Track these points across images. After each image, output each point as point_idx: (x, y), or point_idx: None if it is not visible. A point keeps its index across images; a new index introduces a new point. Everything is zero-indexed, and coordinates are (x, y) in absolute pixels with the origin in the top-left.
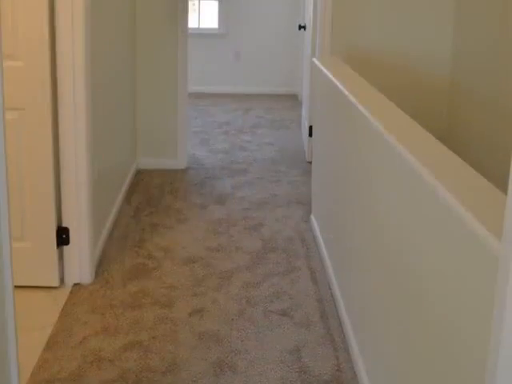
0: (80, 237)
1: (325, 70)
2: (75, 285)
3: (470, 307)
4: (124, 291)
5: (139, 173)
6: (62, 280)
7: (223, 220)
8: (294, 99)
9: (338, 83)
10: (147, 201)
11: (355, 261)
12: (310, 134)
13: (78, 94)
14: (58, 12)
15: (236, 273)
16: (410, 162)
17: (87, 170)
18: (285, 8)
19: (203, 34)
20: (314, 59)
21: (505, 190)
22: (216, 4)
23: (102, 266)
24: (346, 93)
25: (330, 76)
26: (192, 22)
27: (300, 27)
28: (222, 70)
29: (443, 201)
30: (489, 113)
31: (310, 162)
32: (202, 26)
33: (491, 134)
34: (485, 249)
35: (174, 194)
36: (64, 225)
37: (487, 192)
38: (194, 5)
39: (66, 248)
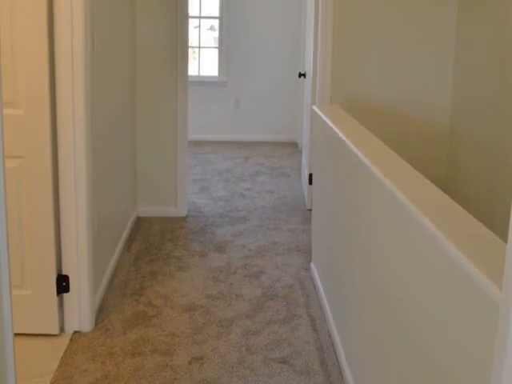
0: (80, 284)
1: (325, 118)
2: (75, 332)
3: (470, 355)
4: (124, 339)
5: (139, 220)
6: (61, 328)
7: (223, 268)
8: (294, 147)
9: (337, 131)
10: (147, 248)
11: (355, 309)
12: (310, 182)
13: (78, 142)
14: (58, 60)
15: (236, 320)
16: (410, 210)
17: (87, 217)
18: (285, 56)
19: (203, 82)
20: (314, 107)
21: (505, 238)
22: (216, 52)
23: (102, 313)
24: (346, 141)
25: (330, 124)
26: (192, 70)
27: (300, 75)
28: (221, 118)
29: (443, 249)
30: (488, 160)
31: (310, 210)
32: (202, 73)
33: (491, 182)
34: (485, 297)
35: (174, 241)
36: (64, 272)
37: (487, 240)
38: (194, 52)
39: (65, 296)
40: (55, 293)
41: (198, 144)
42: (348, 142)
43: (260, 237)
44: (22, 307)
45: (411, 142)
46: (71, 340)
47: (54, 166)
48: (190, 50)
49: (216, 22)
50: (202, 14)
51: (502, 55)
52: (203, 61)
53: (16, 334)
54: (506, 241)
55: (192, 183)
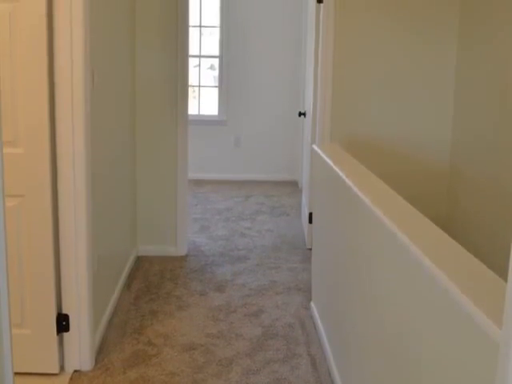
0: (80, 323)
1: (325, 157)
2: (75, 371)
3: None
4: (124, 378)
5: (139, 259)
6: (61, 367)
7: (223, 307)
8: (294, 186)
9: (337, 170)
10: (147, 287)
11: (355, 348)
12: (310, 221)
13: (78, 181)
14: (58, 99)
15: (236, 359)
16: (410, 249)
17: (87, 257)
18: (284, 95)
19: (203, 121)
20: (314, 146)
21: (505, 277)
22: (216, 91)
23: (101, 352)
24: (346, 180)
25: (330, 163)
26: (192, 109)
27: (300, 114)
28: (221, 157)
29: (443, 287)
30: (489, 199)
31: (310, 249)
32: (201, 112)
33: (491, 220)
34: (485, 336)
35: (174, 280)
36: (64, 311)
37: (487, 279)
38: (194, 91)
39: (65, 335)
40: (55, 332)
41: (198, 183)
42: (348, 181)
43: (260, 276)
44: (22, 346)
45: (411, 180)
46: (71, 379)
47: (53, 204)
48: (190, 89)
49: (216, 61)
50: (202, 53)
51: (502, 94)
52: (203, 100)
53: (16, 373)
54: (506, 280)
55: (192, 222)
